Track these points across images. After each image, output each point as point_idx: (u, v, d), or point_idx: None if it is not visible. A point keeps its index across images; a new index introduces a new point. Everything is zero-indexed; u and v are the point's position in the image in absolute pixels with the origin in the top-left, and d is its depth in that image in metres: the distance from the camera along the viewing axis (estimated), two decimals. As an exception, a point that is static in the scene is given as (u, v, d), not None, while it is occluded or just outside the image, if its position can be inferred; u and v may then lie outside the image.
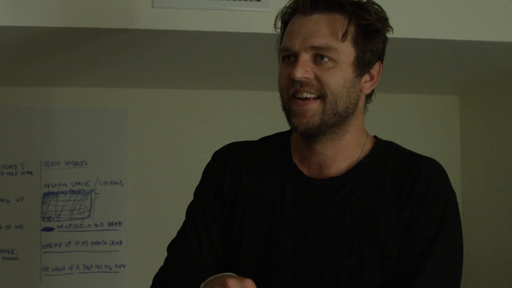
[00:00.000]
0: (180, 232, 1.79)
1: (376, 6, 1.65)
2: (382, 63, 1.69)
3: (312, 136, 1.63)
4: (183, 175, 3.56)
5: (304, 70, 1.58)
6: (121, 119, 3.62)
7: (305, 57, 1.59)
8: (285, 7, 1.69)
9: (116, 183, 3.59)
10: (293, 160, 1.71)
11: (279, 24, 1.71)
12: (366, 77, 1.66)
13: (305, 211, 1.65)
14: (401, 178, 1.63)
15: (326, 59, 1.59)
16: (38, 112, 3.57)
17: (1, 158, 3.54)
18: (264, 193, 1.70)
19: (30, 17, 2.46)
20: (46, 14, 2.46)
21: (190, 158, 3.59)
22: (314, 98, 1.59)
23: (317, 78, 1.59)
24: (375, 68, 1.67)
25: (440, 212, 1.60)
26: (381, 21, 1.64)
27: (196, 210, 1.77)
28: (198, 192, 1.79)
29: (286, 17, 1.68)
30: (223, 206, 1.73)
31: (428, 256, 1.57)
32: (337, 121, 1.62)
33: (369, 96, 1.71)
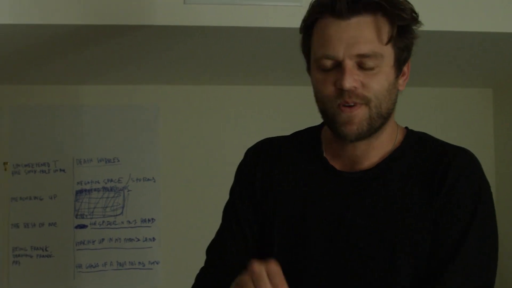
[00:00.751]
0: (217, 233, 1.79)
1: (407, 2, 1.60)
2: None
3: (360, 140, 1.61)
4: (215, 171, 3.56)
5: (352, 79, 1.53)
6: (153, 116, 3.63)
7: (351, 65, 1.54)
8: (312, 5, 1.62)
9: (148, 179, 3.60)
10: (324, 155, 1.70)
11: (307, 25, 1.64)
12: (401, 74, 1.64)
13: (336, 206, 1.64)
14: (432, 169, 1.61)
15: (369, 65, 1.54)
16: (70, 110, 3.59)
17: (34, 156, 3.56)
18: (295, 189, 1.69)
19: (61, 15, 2.47)
20: (77, 12, 2.47)
21: (222, 154, 3.59)
22: (359, 104, 1.56)
23: (363, 85, 1.55)
24: (407, 64, 1.64)
25: (472, 203, 1.58)
26: (415, 19, 1.61)
27: (230, 211, 1.77)
28: (231, 192, 1.80)
29: (313, 18, 1.61)
30: (255, 204, 1.73)
31: (459, 248, 1.55)
32: (382, 123, 1.60)
33: None
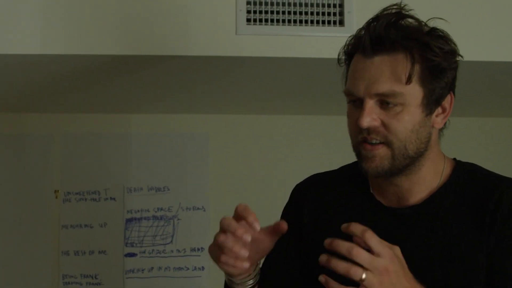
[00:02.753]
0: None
1: (441, 41, 1.58)
2: (454, 93, 1.63)
3: (384, 178, 1.61)
4: (264, 201, 3.54)
5: (370, 118, 1.53)
6: (202, 145, 3.64)
7: (371, 104, 1.54)
8: (346, 43, 1.64)
9: (198, 208, 3.61)
10: (371, 190, 1.69)
11: (342, 58, 1.67)
12: (438, 110, 1.60)
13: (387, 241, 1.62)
14: (483, 202, 1.58)
15: (392, 105, 1.53)
16: (121, 139, 3.62)
17: (85, 185, 3.59)
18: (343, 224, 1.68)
19: (115, 45, 2.51)
20: (132, 42, 2.51)
21: (271, 184, 3.59)
22: (382, 143, 1.55)
23: (384, 124, 1.54)
24: (447, 100, 1.61)
25: None
26: (447, 58, 1.57)
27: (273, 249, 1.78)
28: None
29: (350, 50, 1.63)
30: (302, 245, 1.73)
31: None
32: (410, 163, 1.58)
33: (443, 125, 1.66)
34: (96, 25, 2.50)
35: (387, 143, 1.55)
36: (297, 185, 1.83)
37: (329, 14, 2.56)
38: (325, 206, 1.73)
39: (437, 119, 1.61)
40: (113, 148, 3.62)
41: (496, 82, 3.00)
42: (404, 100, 1.53)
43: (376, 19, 1.58)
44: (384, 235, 1.60)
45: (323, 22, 2.56)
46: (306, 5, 2.55)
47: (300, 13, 2.55)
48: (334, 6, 2.56)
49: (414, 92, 1.54)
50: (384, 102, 1.54)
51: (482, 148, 3.66)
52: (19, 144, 3.59)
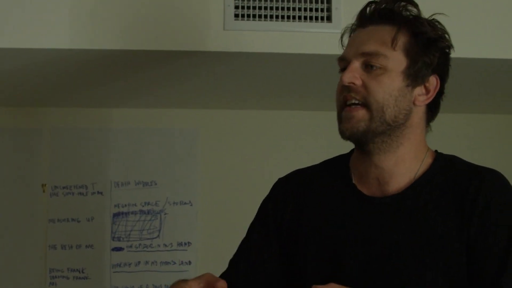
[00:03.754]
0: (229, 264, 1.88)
1: (436, 23, 1.67)
2: (441, 79, 1.68)
3: (359, 142, 1.64)
4: (253, 196, 3.53)
5: (352, 75, 1.61)
6: (191, 140, 3.64)
7: (356, 64, 1.62)
8: (348, 25, 1.74)
9: (185, 203, 3.61)
10: (353, 181, 1.71)
11: (345, 41, 1.74)
12: (421, 90, 1.65)
13: (367, 232, 1.64)
14: (462, 192, 1.60)
15: (375, 67, 1.61)
16: (109, 133, 3.62)
17: (72, 179, 3.59)
18: (326, 218, 1.70)
19: (102, 40, 2.52)
20: (118, 38, 2.53)
21: (260, 179, 3.58)
22: (360, 105, 1.61)
23: (364, 85, 1.61)
24: (431, 83, 1.65)
25: (509, 220, 1.57)
26: (436, 33, 1.65)
27: (242, 242, 1.87)
28: (250, 226, 1.87)
29: (351, 34, 1.73)
30: (279, 239, 1.76)
31: (506, 264, 1.54)
32: (385, 130, 1.62)
33: (431, 113, 1.70)
34: (85, 21, 2.50)
35: (365, 105, 1.61)
36: (279, 180, 1.84)
37: (316, 10, 2.57)
38: (307, 200, 1.74)
39: (419, 97, 1.65)
40: (101, 142, 3.62)
41: (490, 79, 3.01)
42: (386, 64, 1.61)
43: (375, 0, 1.69)
44: (365, 225, 1.65)
45: (311, 18, 2.57)
46: (294, 1, 2.56)
47: (288, 8, 2.56)
48: (322, 2, 2.57)
49: (397, 59, 1.62)
50: (368, 65, 1.61)
51: (475, 145, 3.68)
52: (6, 138, 3.58)
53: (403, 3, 1.66)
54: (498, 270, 1.54)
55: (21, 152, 3.58)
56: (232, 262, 1.86)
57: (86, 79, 3.04)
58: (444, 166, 1.67)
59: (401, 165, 1.66)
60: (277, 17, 2.56)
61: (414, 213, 1.62)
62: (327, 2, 2.57)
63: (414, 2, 1.68)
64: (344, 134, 1.63)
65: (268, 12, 2.55)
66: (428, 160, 1.68)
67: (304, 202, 1.74)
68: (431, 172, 1.66)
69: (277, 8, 2.56)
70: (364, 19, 1.68)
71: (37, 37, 2.49)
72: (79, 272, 3.55)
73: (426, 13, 1.69)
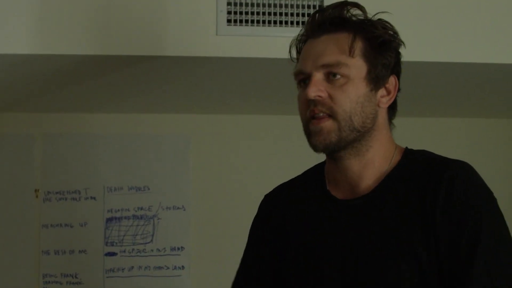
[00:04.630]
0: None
1: (385, 23, 1.68)
2: (398, 78, 1.70)
3: (333, 152, 1.66)
4: (246, 201, 3.56)
5: (317, 88, 1.61)
6: (184, 145, 3.65)
7: (317, 76, 1.62)
8: (298, 35, 1.75)
9: (178, 208, 3.61)
10: (328, 188, 1.73)
11: (294, 53, 1.77)
12: (382, 92, 1.67)
13: (342, 234, 1.66)
14: (427, 185, 1.61)
15: (338, 76, 1.61)
16: (102, 139, 3.63)
17: (65, 184, 3.59)
18: (305, 226, 1.73)
19: (93, 45, 2.52)
20: (111, 42, 2.52)
21: (252, 184, 3.60)
22: (328, 116, 1.61)
23: (330, 96, 1.61)
24: (391, 83, 1.68)
25: (474, 212, 1.56)
26: (389, 34, 1.67)
27: (242, 259, 1.86)
28: (247, 245, 1.87)
29: (300, 46, 1.74)
30: (272, 250, 1.78)
31: (473, 262, 1.53)
32: (356, 137, 1.64)
33: (392, 111, 1.72)
34: (74, 26, 2.51)
35: (333, 116, 1.61)
36: (265, 196, 1.88)
37: (308, 15, 2.57)
38: (289, 213, 1.77)
39: (382, 99, 1.67)
40: (94, 148, 3.62)
41: (466, 83, 3.03)
42: (349, 72, 1.62)
43: (322, 9, 1.70)
44: (339, 228, 1.67)
45: (303, 23, 2.58)
46: (286, 6, 2.58)
47: (281, 14, 2.57)
48: (314, 7, 2.59)
49: (358, 66, 1.63)
50: (331, 74, 1.62)
51: (473, 149, 3.70)
52: (-1, 144, 3.59)
53: (349, 8, 1.68)
54: (465, 264, 1.54)
55: (14, 158, 3.58)
56: None
57: (79, 85, 3.04)
58: (412, 161, 1.69)
59: (371, 167, 1.68)
60: (269, 22, 2.57)
61: (383, 211, 1.63)
62: (319, 8, 2.58)
63: (360, 5, 1.69)
64: (317, 148, 1.65)
65: (261, 18, 2.56)
66: (396, 158, 1.70)
67: (287, 215, 1.78)
68: (398, 169, 1.68)
69: (269, 14, 2.57)
70: (315, 29, 1.67)
71: (27, 42, 2.49)
72: (73, 277, 3.55)
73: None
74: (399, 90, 1.71)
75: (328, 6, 1.69)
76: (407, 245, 1.58)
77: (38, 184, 3.59)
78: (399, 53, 1.70)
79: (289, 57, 1.78)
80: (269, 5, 2.57)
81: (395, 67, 1.69)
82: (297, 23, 2.58)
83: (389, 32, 1.67)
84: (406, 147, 1.74)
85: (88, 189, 3.60)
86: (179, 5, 2.54)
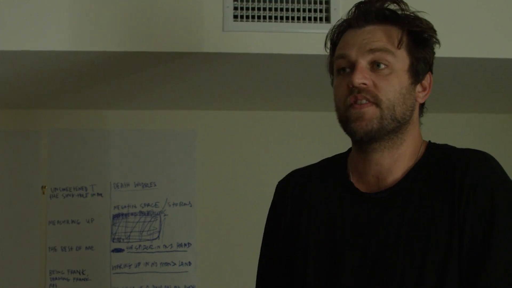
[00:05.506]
0: (257, 275, 1.86)
1: (423, 19, 1.69)
2: (432, 75, 1.72)
3: (371, 141, 1.64)
4: (252, 197, 3.57)
5: (362, 75, 1.60)
6: (190, 141, 3.65)
7: (363, 64, 1.62)
8: (334, 26, 1.73)
9: (185, 204, 3.62)
10: (350, 179, 1.72)
11: (329, 44, 1.74)
12: (419, 87, 1.68)
13: (364, 227, 1.65)
14: (451, 176, 1.61)
15: (382, 66, 1.61)
16: (108, 135, 3.63)
17: (72, 180, 3.60)
18: (324, 216, 1.71)
19: (101, 41, 2.52)
20: (116, 39, 2.53)
21: (258, 180, 3.60)
22: (371, 103, 1.61)
23: (374, 85, 1.61)
24: (427, 79, 1.69)
25: (493, 201, 1.57)
26: (430, 30, 1.68)
27: (263, 251, 1.84)
28: (265, 230, 1.85)
29: (336, 37, 1.72)
30: (286, 239, 1.77)
31: (488, 251, 1.54)
32: (395, 127, 1.63)
33: (421, 109, 1.73)
34: (83, 23, 2.51)
35: (376, 103, 1.61)
36: (279, 182, 1.86)
37: (315, 10, 2.58)
38: (305, 200, 1.76)
39: (419, 94, 1.69)
40: (100, 144, 3.62)
41: (471, 78, 3.03)
42: (394, 62, 1.62)
43: (364, 1, 1.69)
44: (362, 221, 1.66)
45: (310, 18, 2.58)
46: (292, 1, 2.57)
47: (287, 9, 2.57)
48: (321, 2, 2.58)
49: (402, 57, 1.64)
50: (375, 64, 1.62)
51: (477, 144, 3.68)
52: (5, 141, 3.59)
53: (391, 3, 1.68)
54: (477, 264, 1.54)
55: (21, 155, 3.59)
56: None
57: (85, 81, 3.04)
58: (435, 154, 1.69)
59: (401, 161, 1.68)
60: (275, 18, 2.56)
61: (409, 204, 1.63)
62: (325, 3, 2.58)
63: (402, 1, 1.69)
64: (357, 133, 1.62)
65: (267, 13, 2.56)
66: (422, 152, 1.70)
67: (303, 202, 1.76)
68: (423, 162, 1.68)
69: (275, 9, 2.56)
70: (360, 20, 1.66)
71: (35, 39, 2.50)
72: (79, 273, 3.56)
73: (429, 10, 1.70)
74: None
75: (370, 0, 1.68)
76: (433, 238, 1.58)
77: (44, 181, 3.60)
78: (434, 52, 1.71)
79: (325, 48, 1.77)
80: (276, 1, 2.56)
81: (432, 64, 1.71)
82: (304, 18, 2.57)
83: (431, 28, 1.69)
84: (429, 141, 1.74)
85: (94, 186, 3.61)
86: (185, 1, 2.54)
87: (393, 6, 1.68)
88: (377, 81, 1.61)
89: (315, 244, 1.70)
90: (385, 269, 1.61)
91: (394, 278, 1.59)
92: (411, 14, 1.68)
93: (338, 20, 1.73)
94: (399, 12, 1.67)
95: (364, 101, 1.61)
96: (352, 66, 1.63)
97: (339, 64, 1.67)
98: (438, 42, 1.71)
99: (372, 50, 1.62)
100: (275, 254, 1.79)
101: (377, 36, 1.64)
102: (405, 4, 1.68)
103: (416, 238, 1.60)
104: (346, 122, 1.64)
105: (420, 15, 1.69)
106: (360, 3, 1.69)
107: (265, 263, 1.83)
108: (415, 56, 1.65)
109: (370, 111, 1.60)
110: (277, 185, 1.85)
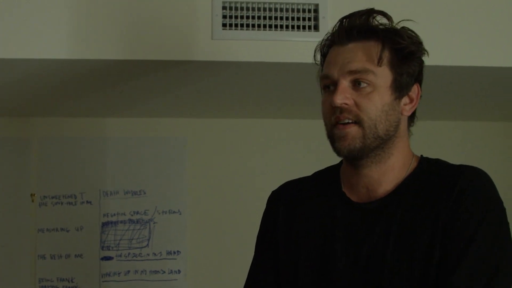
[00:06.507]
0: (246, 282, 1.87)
1: (410, 32, 1.70)
2: (420, 86, 1.73)
3: (355, 158, 1.67)
4: (241, 205, 3.57)
5: (343, 96, 1.63)
6: (180, 149, 3.65)
7: (344, 84, 1.64)
8: (323, 39, 1.75)
9: (174, 212, 3.61)
10: (343, 189, 1.74)
11: (318, 57, 1.77)
12: (406, 100, 1.70)
13: (355, 237, 1.67)
14: (441, 190, 1.64)
15: (364, 84, 1.63)
16: (98, 142, 3.63)
17: (61, 188, 3.59)
18: (316, 226, 1.74)
19: (92, 50, 2.52)
20: (107, 48, 2.53)
21: (248, 188, 3.60)
22: (353, 123, 1.63)
23: (356, 104, 1.63)
24: (414, 91, 1.70)
25: (478, 214, 1.59)
26: (415, 44, 1.69)
27: (255, 259, 1.86)
28: (257, 240, 1.87)
29: (325, 50, 1.75)
30: (279, 249, 1.79)
31: (463, 257, 1.56)
32: (379, 144, 1.66)
33: (411, 119, 1.74)
34: (77, 31, 2.51)
35: (358, 122, 1.63)
36: (272, 192, 1.88)
37: (304, 19, 2.59)
38: (298, 210, 1.78)
39: (405, 107, 1.70)
40: (90, 151, 3.62)
41: (463, 86, 3.04)
42: (375, 80, 1.64)
43: (348, 15, 1.71)
44: (352, 230, 1.69)
45: (298, 27, 2.59)
46: (281, 10, 2.58)
47: (276, 18, 2.58)
48: (309, 11, 2.59)
49: (384, 74, 1.65)
50: (356, 82, 1.64)
51: (471, 152, 3.70)
52: (-5, 148, 3.59)
53: (374, 16, 1.69)
54: (456, 261, 1.56)
55: (10, 162, 3.58)
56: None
57: (75, 90, 3.04)
58: (428, 169, 1.71)
59: (390, 174, 1.70)
60: (264, 26, 2.57)
61: (398, 215, 1.65)
62: (314, 12, 2.58)
63: (387, 14, 1.71)
64: (341, 152, 1.66)
65: (256, 22, 2.56)
66: (413, 165, 1.72)
67: (295, 211, 1.79)
68: (414, 176, 1.70)
69: (264, 18, 2.57)
70: (342, 37, 1.68)
71: (27, 47, 2.50)
72: (69, 281, 3.55)
73: (423, 18, 1.71)
74: (420, 97, 1.73)
75: (355, 13, 1.70)
76: (419, 249, 1.60)
77: (34, 189, 3.59)
78: (422, 62, 1.73)
79: (314, 61, 1.80)
80: (265, 9, 2.57)
81: (419, 76, 1.72)
82: (292, 27, 2.58)
83: (415, 41, 1.69)
84: (422, 155, 1.76)
85: (84, 193, 3.60)
86: (174, 9, 2.54)
87: (379, 18, 1.70)
88: (358, 100, 1.63)
89: (307, 251, 1.72)
90: (375, 275, 1.62)
91: (383, 283, 1.61)
92: (394, 28, 1.69)
93: (326, 34, 1.75)
94: (382, 26, 1.69)
95: (346, 120, 1.63)
96: (335, 84, 1.65)
97: (324, 83, 1.70)
98: (426, 53, 1.72)
99: (351, 72, 1.64)
100: (266, 262, 1.80)
101: (358, 56, 1.65)
102: (389, 17, 1.71)
103: (403, 246, 1.62)
104: (331, 140, 1.68)
105: (408, 24, 1.71)
106: (344, 18, 1.71)
107: (256, 271, 1.84)
108: (398, 71, 1.66)
109: (353, 131, 1.63)
110: (270, 196, 1.87)
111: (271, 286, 1.78)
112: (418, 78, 1.72)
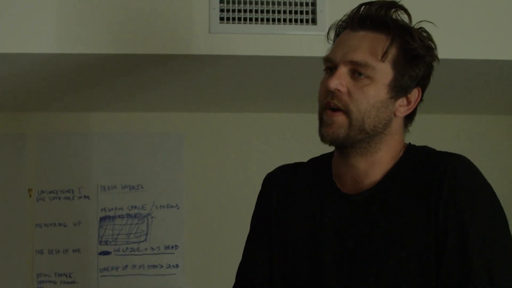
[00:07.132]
0: (241, 260, 1.87)
1: (424, 34, 1.67)
2: (423, 91, 1.70)
3: (339, 147, 1.68)
4: (239, 199, 3.57)
5: (339, 82, 1.61)
6: (177, 143, 3.65)
7: (343, 70, 1.62)
8: (340, 20, 1.73)
9: (172, 206, 3.62)
10: (333, 178, 1.74)
11: (332, 35, 1.74)
12: (403, 101, 1.67)
13: (342, 224, 1.68)
14: (429, 179, 1.62)
15: (362, 76, 1.61)
16: (95, 137, 3.63)
17: (59, 183, 3.59)
18: (306, 212, 1.74)
19: (87, 44, 2.52)
20: (104, 42, 2.52)
21: (245, 182, 3.60)
22: (342, 111, 1.62)
23: (349, 93, 1.62)
24: (413, 94, 1.68)
25: (470, 203, 1.59)
26: (424, 48, 1.66)
27: (249, 238, 1.86)
28: (251, 220, 1.87)
29: (339, 31, 1.72)
30: (272, 230, 1.79)
31: (464, 249, 1.56)
32: (364, 138, 1.65)
33: (409, 120, 1.73)
34: (70, 25, 2.50)
35: (346, 112, 1.62)
36: (267, 175, 1.88)
37: (302, 12, 2.58)
38: (290, 193, 1.79)
39: (400, 108, 1.67)
40: (87, 146, 3.62)
41: (465, 79, 3.03)
42: (374, 75, 1.62)
43: (369, 2, 1.68)
44: (340, 220, 1.69)
45: (296, 20, 2.58)
46: (279, 3, 2.57)
47: (273, 11, 2.57)
48: (307, 4, 2.58)
49: (385, 71, 1.63)
50: (356, 72, 1.62)
51: (472, 145, 3.70)
52: (-8, 143, 3.58)
53: (394, 10, 1.67)
54: (455, 263, 1.56)
55: (7, 157, 3.58)
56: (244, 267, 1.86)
57: (72, 84, 3.04)
58: (413, 156, 1.70)
59: (378, 166, 1.69)
60: (262, 20, 2.56)
61: (385, 205, 1.65)
62: (312, 5, 2.58)
63: (407, 10, 1.68)
64: (325, 139, 1.65)
65: (253, 15, 2.56)
66: (400, 154, 1.71)
67: (288, 195, 1.79)
68: (400, 164, 1.69)
69: (262, 11, 2.56)
70: (355, 23, 1.66)
71: (20, 41, 2.49)
72: (67, 276, 3.55)
73: (426, 12, 1.69)
74: (421, 100, 1.71)
75: (376, 2, 1.67)
76: (408, 238, 1.60)
77: (31, 184, 3.59)
78: (431, 67, 1.70)
79: (327, 38, 1.77)
80: (262, 3, 2.56)
81: (422, 80, 1.69)
82: (290, 20, 2.57)
83: (426, 45, 1.66)
84: (409, 143, 1.75)
85: (81, 188, 3.60)
86: (171, 2, 2.53)
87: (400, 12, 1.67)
88: (352, 89, 1.62)
89: (296, 237, 1.73)
90: (361, 268, 1.63)
91: (371, 276, 1.61)
92: (408, 27, 1.66)
93: (345, 15, 1.72)
94: (397, 23, 1.66)
95: (335, 107, 1.62)
96: (336, 67, 1.64)
97: (326, 65, 1.69)
98: (437, 59, 1.69)
99: (352, 62, 1.62)
100: (260, 243, 1.81)
101: (363, 46, 1.63)
102: (409, 14, 1.68)
103: (392, 234, 1.61)
104: (319, 124, 1.67)
105: (425, 25, 1.68)
106: (364, 4, 1.68)
107: (250, 250, 1.84)
108: (400, 71, 1.64)
109: (340, 120, 1.62)
110: (265, 178, 1.87)
111: (266, 264, 1.78)
112: (421, 83, 1.69)
